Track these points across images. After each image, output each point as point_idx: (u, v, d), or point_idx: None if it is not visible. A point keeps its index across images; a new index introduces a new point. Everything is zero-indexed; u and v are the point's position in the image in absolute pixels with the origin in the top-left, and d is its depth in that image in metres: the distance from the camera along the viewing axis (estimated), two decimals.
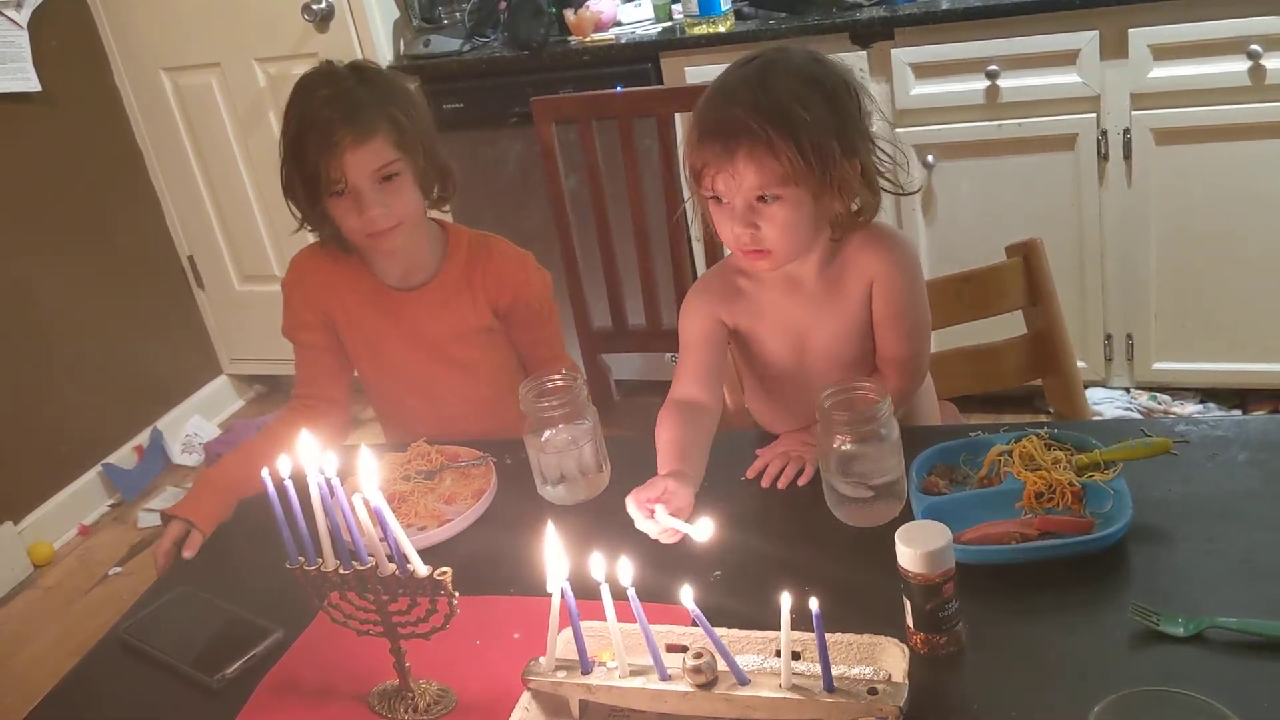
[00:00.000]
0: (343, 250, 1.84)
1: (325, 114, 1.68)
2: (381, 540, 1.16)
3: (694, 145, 1.41)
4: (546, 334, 1.90)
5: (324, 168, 1.69)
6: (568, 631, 1.18)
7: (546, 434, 1.56)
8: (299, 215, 1.80)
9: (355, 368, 1.94)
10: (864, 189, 1.44)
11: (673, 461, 1.46)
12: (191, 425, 3.78)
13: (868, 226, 1.49)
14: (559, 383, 1.58)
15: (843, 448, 1.36)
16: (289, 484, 1.18)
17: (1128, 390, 2.96)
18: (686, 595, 1.08)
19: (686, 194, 1.54)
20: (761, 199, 1.39)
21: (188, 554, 1.62)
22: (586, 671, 1.16)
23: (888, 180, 1.48)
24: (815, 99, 1.38)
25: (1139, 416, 2.85)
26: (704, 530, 1.32)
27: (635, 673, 1.14)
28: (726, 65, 2.89)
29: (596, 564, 1.11)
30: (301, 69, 3.31)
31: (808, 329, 1.54)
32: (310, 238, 1.90)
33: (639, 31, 3.09)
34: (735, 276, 1.57)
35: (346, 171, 1.69)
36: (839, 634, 1.16)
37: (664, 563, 1.36)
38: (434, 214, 1.88)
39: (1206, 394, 2.94)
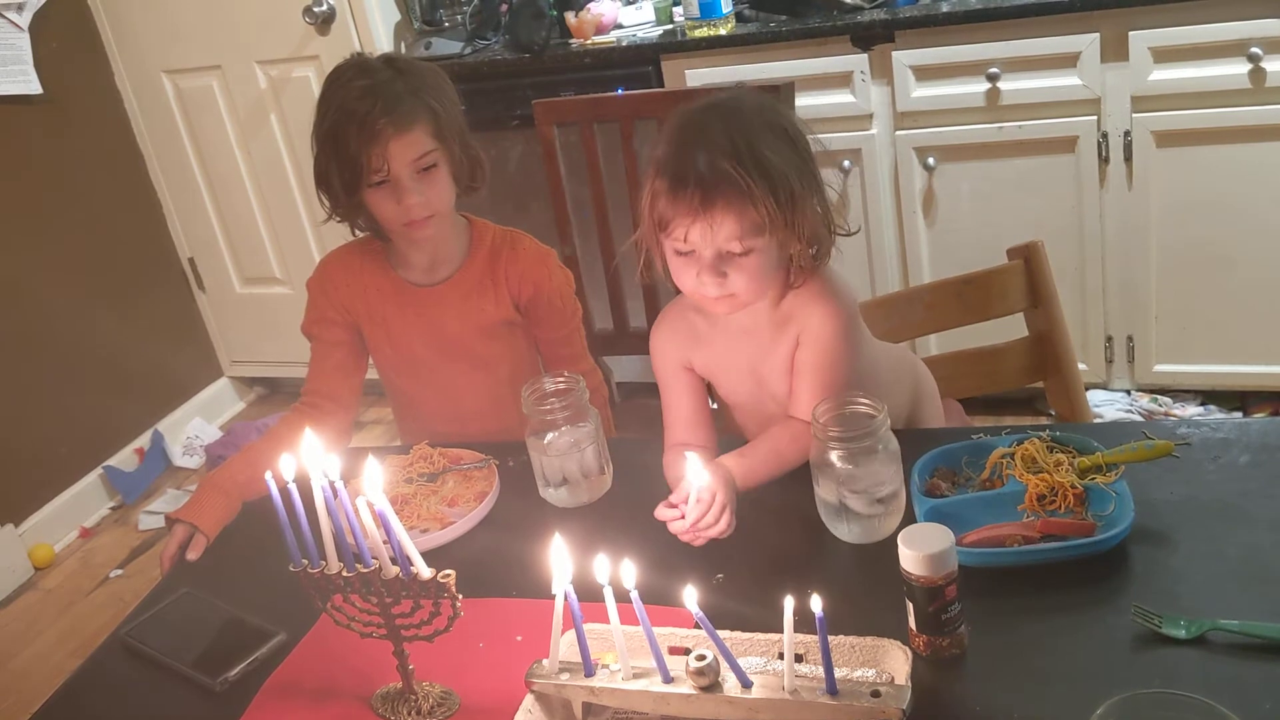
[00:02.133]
0: (378, 238, 1.85)
1: (365, 104, 1.68)
2: (385, 542, 1.17)
3: (664, 195, 1.38)
4: (567, 333, 1.91)
5: (365, 158, 1.69)
6: (571, 634, 1.18)
7: (549, 436, 1.56)
8: (328, 206, 1.80)
9: (376, 365, 1.95)
10: (822, 229, 1.44)
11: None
12: (192, 427, 3.79)
13: (817, 276, 1.47)
14: (561, 385, 1.59)
15: (840, 464, 1.35)
16: (293, 487, 1.18)
17: (1129, 392, 2.96)
18: (689, 597, 1.09)
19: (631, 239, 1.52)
20: (732, 251, 1.38)
21: (192, 556, 1.62)
22: (589, 674, 1.16)
23: (834, 220, 1.48)
24: (781, 144, 1.38)
25: (1140, 419, 2.85)
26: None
27: (638, 675, 1.14)
28: (728, 64, 2.89)
29: (600, 566, 1.11)
30: (302, 71, 3.38)
31: (761, 367, 1.53)
32: (333, 231, 1.90)
33: (640, 34, 3.09)
34: (691, 316, 1.56)
35: (389, 160, 1.70)
36: (842, 636, 1.16)
37: (667, 565, 1.36)
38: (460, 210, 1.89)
39: (1207, 396, 2.94)
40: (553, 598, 1.13)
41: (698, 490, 1.36)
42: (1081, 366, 2.78)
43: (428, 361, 1.89)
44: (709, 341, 1.55)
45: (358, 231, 1.87)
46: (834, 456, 1.35)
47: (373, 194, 1.74)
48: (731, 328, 1.52)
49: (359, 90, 1.70)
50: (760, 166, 1.34)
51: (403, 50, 3.32)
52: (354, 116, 1.68)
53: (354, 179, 1.72)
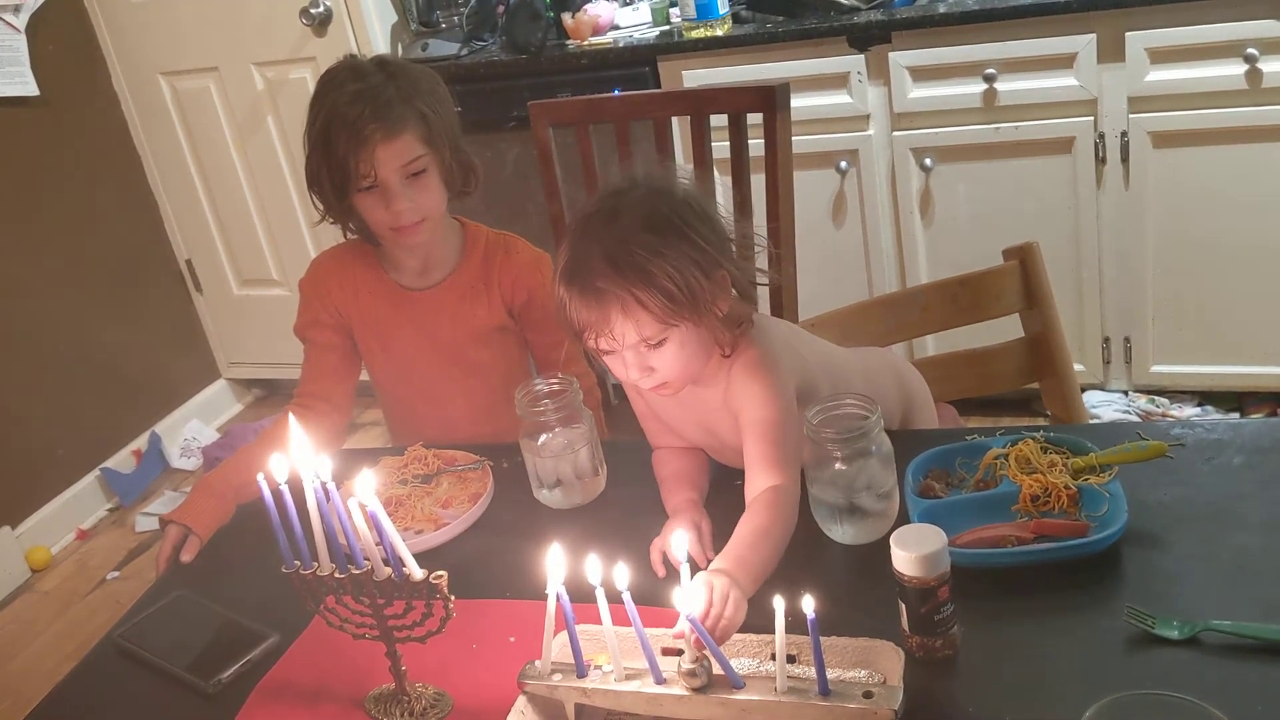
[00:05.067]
0: (369, 242, 1.85)
1: (354, 109, 1.68)
2: (377, 544, 1.16)
3: (569, 305, 1.38)
4: (560, 337, 1.89)
5: (353, 163, 1.69)
6: (563, 635, 1.18)
7: (543, 438, 1.56)
8: (321, 208, 1.80)
9: (368, 369, 1.95)
10: (736, 300, 1.41)
11: (680, 490, 1.49)
12: (190, 429, 3.78)
13: (746, 344, 1.44)
14: (555, 386, 1.59)
15: (833, 465, 1.35)
16: (285, 489, 1.18)
17: (1126, 393, 2.96)
18: (678, 598, 1.09)
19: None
20: (647, 346, 1.37)
21: (185, 558, 1.62)
22: (582, 675, 1.16)
23: (759, 271, 1.45)
24: (669, 239, 1.34)
25: (1137, 419, 2.85)
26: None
27: (630, 676, 1.14)
28: (725, 65, 2.89)
29: (592, 568, 1.11)
30: (299, 73, 3.39)
31: (713, 426, 1.52)
32: (330, 232, 1.89)
33: (636, 35, 3.09)
34: None
35: (376, 166, 1.70)
36: (834, 637, 1.16)
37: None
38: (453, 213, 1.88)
39: (1204, 397, 2.94)
40: (545, 599, 1.13)
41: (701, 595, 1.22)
42: (1078, 367, 2.78)
43: (419, 366, 1.89)
44: (659, 401, 1.54)
45: (350, 234, 1.86)
46: (828, 458, 1.35)
47: (362, 198, 1.74)
48: (678, 399, 1.50)
49: (350, 94, 1.69)
50: (641, 273, 1.32)
51: (399, 52, 3.32)
52: (344, 120, 1.68)
53: (343, 183, 1.72)
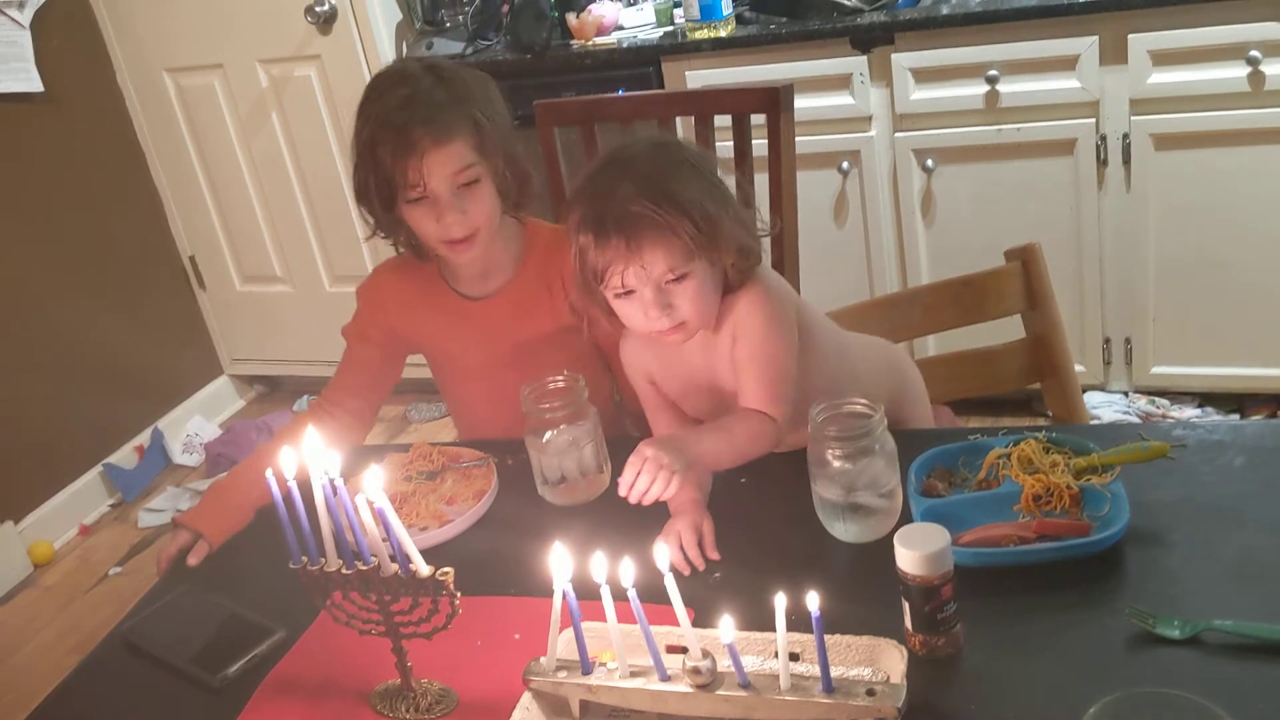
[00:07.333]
0: (419, 257, 1.77)
1: (402, 116, 1.60)
2: (384, 540, 1.17)
3: (592, 249, 1.41)
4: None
5: (401, 172, 1.61)
6: (568, 632, 1.19)
7: (547, 435, 1.56)
8: (371, 222, 1.73)
9: (432, 372, 1.91)
10: (746, 238, 1.47)
11: (683, 488, 1.45)
12: (192, 425, 3.79)
13: (752, 287, 1.48)
14: (560, 384, 1.59)
15: (837, 464, 1.35)
16: (293, 485, 1.18)
17: (1126, 394, 2.97)
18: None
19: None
20: (670, 280, 1.41)
21: (192, 561, 1.61)
22: (587, 672, 1.16)
23: (755, 228, 1.51)
24: (683, 173, 1.42)
25: (1137, 420, 2.86)
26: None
27: (635, 673, 1.15)
28: (728, 66, 2.89)
29: (598, 565, 1.12)
30: (304, 70, 3.40)
31: (720, 385, 1.53)
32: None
33: (641, 35, 3.10)
34: (649, 339, 1.55)
35: (426, 175, 1.61)
36: (838, 635, 1.17)
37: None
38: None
39: (1205, 398, 2.95)
40: (551, 596, 1.13)
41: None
42: (1079, 368, 2.79)
43: (485, 370, 1.82)
44: (666, 366, 1.56)
45: (400, 248, 1.78)
46: (831, 456, 1.35)
47: (411, 210, 1.66)
48: (686, 355, 1.53)
49: (398, 99, 1.62)
50: (669, 199, 1.38)
51: (404, 50, 3.33)
52: (391, 127, 1.60)
53: (391, 194, 1.64)
